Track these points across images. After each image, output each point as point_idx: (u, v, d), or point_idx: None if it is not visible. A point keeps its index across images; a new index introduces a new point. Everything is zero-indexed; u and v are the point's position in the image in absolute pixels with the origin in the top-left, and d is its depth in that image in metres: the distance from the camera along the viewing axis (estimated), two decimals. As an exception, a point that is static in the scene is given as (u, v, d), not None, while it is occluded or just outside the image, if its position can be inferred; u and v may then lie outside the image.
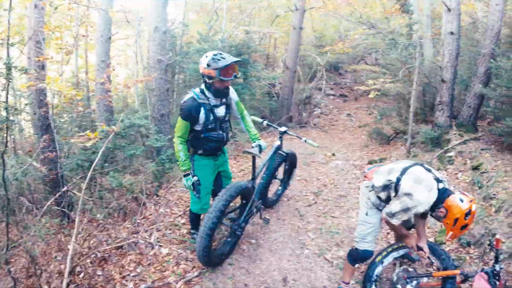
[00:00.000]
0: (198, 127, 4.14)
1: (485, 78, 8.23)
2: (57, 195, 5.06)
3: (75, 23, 10.52)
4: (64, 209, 5.34)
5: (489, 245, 4.15)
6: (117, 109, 10.62)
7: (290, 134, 5.64)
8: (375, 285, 4.18)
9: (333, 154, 9.46)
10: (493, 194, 5.61)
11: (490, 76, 8.17)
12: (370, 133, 11.23)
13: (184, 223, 5.46)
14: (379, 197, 3.78)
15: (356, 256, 4.01)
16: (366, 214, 3.92)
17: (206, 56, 3.92)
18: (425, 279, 4.27)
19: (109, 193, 5.79)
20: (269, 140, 9.74)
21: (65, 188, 5.22)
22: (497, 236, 3.75)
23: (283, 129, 5.54)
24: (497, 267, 3.61)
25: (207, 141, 4.23)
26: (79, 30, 10.07)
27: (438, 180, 3.48)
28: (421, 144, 8.60)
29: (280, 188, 6.38)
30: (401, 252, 4.32)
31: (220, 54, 3.93)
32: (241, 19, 14.77)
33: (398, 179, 3.52)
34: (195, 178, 4.25)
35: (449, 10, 8.35)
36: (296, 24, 12.61)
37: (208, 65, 3.87)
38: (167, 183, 6.56)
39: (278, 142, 5.49)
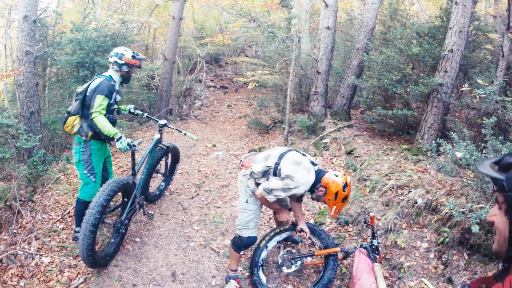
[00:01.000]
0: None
1: (358, 70, 8.87)
2: None
3: None
4: None
5: (364, 222, 4.42)
6: (-17, 108, 9.35)
7: (170, 127, 5.57)
8: (262, 269, 4.28)
9: (214, 145, 9.40)
10: (367, 176, 6.04)
11: (362, 69, 8.81)
12: (249, 124, 11.43)
13: (63, 228, 5.00)
14: (258, 184, 3.82)
15: (240, 243, 4.00)
16: (246, 202, 3.94)
17: (126, 50, 4.59)
18: (308, 259, 4.44)
19: (-20, 203, 5.04)
20: (149, 134, 9.34)
21: None
22: (371, 214, 3.99)
23: (162, 122, 5.40)
24: (374, 242, 3.86)
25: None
26: None
27: (313, 163, 3.67)
28: (298, 132, 8.99)
29: (163, 183, 6.14)
30: (284, 235, 4.43)
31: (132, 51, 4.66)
32: (118, 8, 13.99)
33: (277, 164, 3.61)
34: (128, 139, 4.33)
35: (326, 6, 8.80)
36: (175, 14, 12.17)
37: (134, 57, 4.58)
38: (42, 186, 5.93)
39: (157, 135, 5.30)
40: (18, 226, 4.96)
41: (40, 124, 7.21)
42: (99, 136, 4.41)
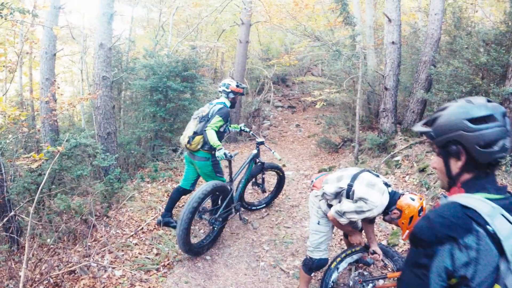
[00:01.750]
0: (221, 129, 5.54)
1: (427, 84, 8.67)
2: (5, 220, 4.81)
3: (19, 40, 10.13)
4: (12, 235, 5.07)
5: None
6: (63, 128, 10.27)
7: (265, 146, 6.35)
8: None
9: (284, 165, 9.53)
10: (441, 194, 5.87)
11: (431, 82, 8.60)
12: (318, 143, 11.47)
13: (136, 244, 5.34)
14: (330, 205, 3.83)
15: (311, 265, 4.05)
16: (318, 223, 3.97)
17: (231, 81, 5.71)
18: (380, 281, 4.39)
19: (58, 216, 5.55)
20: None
21: (12, 213, 4.95)
22: None
23: (260, 139, 6.27)
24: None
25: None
26: (23, 46, 9.69)
27: (387, 184, 3.61)
28: (368, 150, 8.89)
29: (263, 199, 6.91)
30: (355, 257, 4.41)
31: (236, 81, 5.79)
32: (187, 34, 14.77)
33: (350, 185, 3.59)
34: (226, 150, 5.20)
35: (390, 20, 8.73)
36: (242, 38, 12.75)
37: (237, 86, 5.68)
38: (116, 203, 6.38)
39: (255, 151, 6.22)
40: (93, 240, 5.35)
41: (116, 144, 7.74)
42: None
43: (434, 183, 6.29)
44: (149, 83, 8.53)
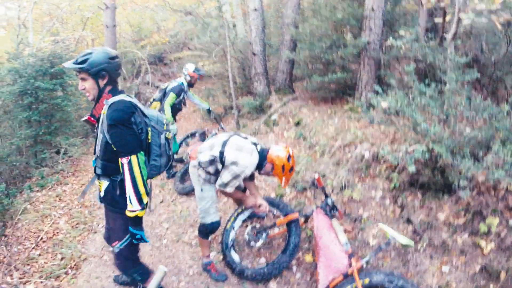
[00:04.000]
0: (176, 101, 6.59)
1: (292, 44, 9.08)
2: None
3: None
4: None
5: (313, 185, 4.65)
6: None
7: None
8: (234, 249, 4.48)
9: (172, 143, 9.44)
10: (316, 142, 6.32)
11: (296, 43, 9.00)
12: (202, 116, 11.47)
13: (40, 254, 5.05)
14: (208, 172, 3.96)
15: (205, 230, 4.16)
16: (201, 191, 4.06)
17: (191, 65, 6.79)
18: (276, 230, 4.65)
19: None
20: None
21: None
22: (316, 176, 4.19)
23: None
24: (328, 201, 4.06)
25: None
26: None
27: (255, 144, 3.89)
28: (248, 114, 9.16)
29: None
30: (247, 213, 4.62)
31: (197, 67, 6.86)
32: (49, 28, 13.64)
33: (221, 152, 3.77)
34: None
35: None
36: (108, 23, 12.00)
37: (195, 71, 6.73)
38: (11, 220, 5.88)
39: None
40: (-4, 263, 4.97)
41: None
42: None
43: (309, 133, 6.72)
44: (17, 87, 7.87)
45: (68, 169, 7.92)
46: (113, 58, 2.89)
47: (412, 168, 3.86)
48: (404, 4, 8.28)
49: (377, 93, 4.71)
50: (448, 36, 4.47)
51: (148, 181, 3.13)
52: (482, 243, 3.72)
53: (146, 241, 3.06)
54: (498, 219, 3.73)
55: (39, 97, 8.01)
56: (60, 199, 6.56)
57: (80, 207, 6.25)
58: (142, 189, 2.82)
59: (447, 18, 4.67)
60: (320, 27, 7.36)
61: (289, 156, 3.74)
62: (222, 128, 7.08)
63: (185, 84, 6.72)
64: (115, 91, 2.92)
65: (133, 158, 2.73)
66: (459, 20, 4.22)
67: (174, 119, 6.69)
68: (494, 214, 3.79)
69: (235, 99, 9.00)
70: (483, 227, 3.78)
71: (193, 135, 8.07)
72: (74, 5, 14.17)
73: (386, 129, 5.50)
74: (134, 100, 2.88)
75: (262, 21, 9.13)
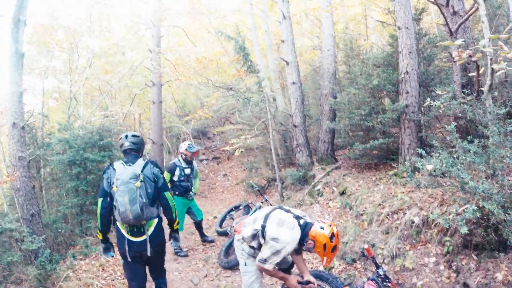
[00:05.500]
0: (175, 178, 6.96)
1: (331, 114, 9.20)
2: None
3: None
4: None
5: (363, 256, 4.44)
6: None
7: None
8: None
9: (215, 217, 9.46)
10: (363, 211, 6.13)
11: (335, 112, 9.11)
12: (246, 188, 11.53)
13: None
14: (251, 246, 3.91)
15: None
16: (245, 265, 4.01)
17: (184, 144, 7.00)
18: (323, 306, 4.41)
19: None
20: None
21: None
22: (366, 246, 4.03)
23: None
24: (380, 272, 3.87)
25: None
26: None
27: (298, 217, 3.78)
28: (291, 185, 9.10)
29: None
30: (295, 290, 4.42)
31: (191, 144, 7.03)
32: (99, 102, 14.56)
33: (263, 226, 3.72)
34: None
35: (287, 63, 9.28)
36: (155, 99, 12.82)
37: (186, 149, 6.92)
38: (52, 286, 5.97)
39: None
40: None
41: (42, 225, 7.26)
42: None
43: (355, 202, 6.55)
44: (66, 157, 8.25)
45: (112, 239, 7.89)
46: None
47: (464, 229, 3.66)
48: (437, 62, 8.27)
49: (421, 156, 4.60)
50: (485, 89, 4.39)
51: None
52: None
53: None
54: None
55: (87, 167, 8.33)
56: (103, 269, 6.51)
57: (123, 278, 6.15)
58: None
59: (481, 71, 4.60)
60: (358, 95, 7.45)
61: (333, 234, 3.59)
62: (266, 200, 7.02)
63: (181, 161, 7.03)
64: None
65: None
66: (493, 71, 4.14)
67: (182, 195, 7.03)
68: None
69: (278, 170, 9.03)
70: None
71: (237, 208, 8.10)
72: (123, 82, 15.11)
73: (434, 192, 5.29)
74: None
75: (301, 94, 9.36)
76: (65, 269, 6.42)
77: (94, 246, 7.48)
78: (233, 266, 6.15)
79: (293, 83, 9.31)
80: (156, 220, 3.99)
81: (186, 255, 6.96)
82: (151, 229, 3.94)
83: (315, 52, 16.15)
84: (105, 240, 4.19)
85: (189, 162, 7.10)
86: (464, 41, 4.06)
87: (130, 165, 3.96)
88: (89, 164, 8.26)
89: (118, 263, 6.76)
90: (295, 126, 9.25)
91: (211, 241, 7.50)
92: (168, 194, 4.08)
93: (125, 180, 3.78)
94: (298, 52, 10.32)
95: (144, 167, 3.98)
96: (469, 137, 4.40)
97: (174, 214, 4.13)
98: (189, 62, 13.55)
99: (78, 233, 8.12)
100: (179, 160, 7.06)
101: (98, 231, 4.06)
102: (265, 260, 3.62)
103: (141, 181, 3.82)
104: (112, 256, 4.29)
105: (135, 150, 4.20)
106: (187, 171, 7.07)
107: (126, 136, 4.22)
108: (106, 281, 6.09)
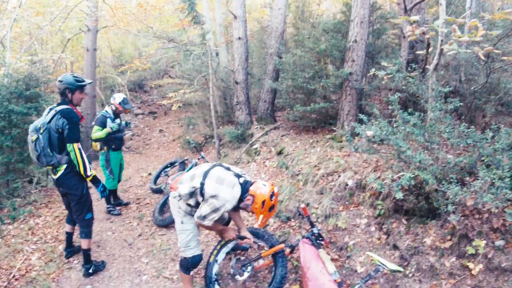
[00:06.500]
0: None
1: (275, 74, 9.19)
2: None
3: None
4: None
5: (299, 215, 4.60)
6: None
7: None
8: (218, 284, 4.30)
9: (150, 174, 9.25)
10: (298, 171, 6.30)
11: (278, 72, 9.11)
12: (182, 144, 11.39)
13: None
14: (189, 204, 3.85)
15: (187, 265, 4.02)
16: (182, 223, 3.96)
17: (118, 97, 6.71)
18: (261, 262, 4.53)
19: None
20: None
21: None
22: (302, 205, 4.15)
23: None
24: (314, 230, 4.02)
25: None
26: None
27: (238, 176, 3.77)
28: (229, 143, 9.13)
29: None
30: (230, 246, 4.49)
31: (126, 98, 6.79)
32: (27, 47, 13.43)
33: (202, 184, 3.66)
34: None
35: (235, 17, 9.04)
36: (89, 46, 11.92)
37: (120, 103, 6.65)
38: None
39: None
40: None
41: None
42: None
43: (292, 162, 6.70)
44: None
45: (41, 200, 7.51)
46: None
47: (399, 195, 3.88)
48: (385, 37, 8.52)
49: (361, 122, 4.75)
50: (431, 67, 4.57)
51: None
52: (471, 265, 3.74)
53: None
54: (485, 241, 3.74)
55: (12, 121, 7.51)
56: (32, 233, 6.18)
57: (54, 242, 5.90)
58: None
59: (430, 49, 4.79)
60: (303, 58, 7.47)
61: (273, 193, 3.64)
62: (202, 157, 6.94)
63: (110, 112, 6.68)
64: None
65: None
66: (442, 51, 4.32)
67: (118, 148, 6.83)
68: (480, 237, 3.81)
69: (216, 128, 8.97)
70: (470, 250, 3.79)
71: (172, 164, 7.95)
72: (55, 25, 13.93)
73: (368, 158, 5.53)
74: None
75: (246, 50, 9.22)
76: (-8, 236, 6.03)
77: (22, 208, 7.03)
78: (168, 224, 6.09)
79: (239, 38, 9.12)
80: (64, 166, 4.48)
81: (120, 214, 6.79)
82: (59, 174, 4.50)
83: (264, 11, 15.93)
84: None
85: (116, 115, 6.78)
86: (419, 18, 4.17)
87: (48, 113, 4.49)
88: (14, 117, 7.44)
89: (48, 225, 6.47)
90: (237, 82, 9.16)
91: (127, 204, 7.28)
92: (71, 146, 4.38)
93: (29, 131, 4.48)
94: (247, 9, 10.10)
95: (51, 118, 4.37)
96: (409, 110, 4.61)
97: (77, 165, 4.44)
98: (129, 7, 12.78)
99: (5, 194, 7.46)
100: (107, 112, 6.67)
101: None
102: (204, 217, 3.59)
103: (40, 133, 4.37)
104: None
105: (60, 94, 4.55)
106: (118, 120, 6.79)
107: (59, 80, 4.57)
108: (36, 245, 5.81)
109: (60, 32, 15.20)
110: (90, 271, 4.91)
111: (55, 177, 4.55)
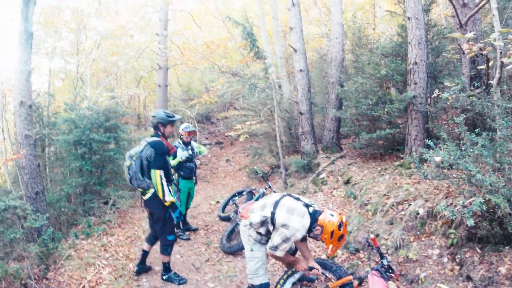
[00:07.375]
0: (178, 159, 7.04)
1: (337, 102, 9.18)
2: None
3: None
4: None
5: (368, 246, 4.47)
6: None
7: None
8: None
9: (217, 202, 9.50)
10: (367, 201, 6.15)
11: (341, 101, 9.09)
12: (249, 174, 11.56)
13: None
14: (259, 233, 3.92)
15: None
16: (251, 250, 4.02)
17: (183, 125, 7.21)
18: (325, 293, 4.45)
19: (-4, 283, 5.16)
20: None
21: None
22: (372, 236, 4.05)
23: None
24: (384, 262, 3.89)
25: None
26: None
27: (307, 205, 3.80)
28: (295, 173, 9.13)
29: None
30: (297, 276, 4.44)
31: (188, 125, 7.25)
32: (106, 83, 14.55)
33: (273, 213, 3.73)
34: None
35: (295, 51, 9.24)
36: (160, 82, 12.85)
37: (183, 129, 7.09)
38: (54, 264, 5.98)
39: None
40: (36, 305, 4.97)
41: (46, 203, 7.27)
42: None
43: (360, 191, 6.56)
44: (72, 137, 8.23)
45: (115, 220, 7.97)
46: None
47: (470, 222, 3.67)
48: (445, 54, 8.22)
49: (429, 147, 4.60)
50: (493, 82, 4.37)
51: None
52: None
53: None
54: None
55: (92, 148, 8.30)
56: (105, 249, 6.57)
57: (125, 259, 6.22)
58: None
59: (490, 64, 4.58)
60: (365, 84, 7.41)
61: (341, 223, 3.62)
62: (269, 187, 7.02)
63: (181, 143, 7.16)
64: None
65: None
66: (502, 64, 4.13)
67: (188, 177, 7.16)
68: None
69: (282, 157, 9.04)
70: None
71: (240, 193, 8.09)
72: (129, 64, 15.10)
73: (439, 184, 5.30)
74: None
75: (307, 81, 9.34)
76: (67, 248, 6.47)
77: (97, 226, 7.52)
78: (235, 252, 6.18)
79: (301, 70, 9.28)
80: (152, 190, 4.98)
81: (188, 239, 7.00)
82: (147, 196, 5.03)
83: (321, 40, 16.08)
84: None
85: (187, 144, 7.18)
86: (474, 34, 4.02)
87: (142, 143, 5.12)
88: (94, 144, 8.24)
89: (120, 244, 6.84)
90: (301, 113, 9.24)
91: (195, 230, 7.51)
92: (153, 172, 4.85)
93: (125, 158, 5.11)
94: (304, 40, 10.25)
95: (143, 148, 4.98)
96: (476, 130, 4.40)
97: (157, 190, 4.87)
98: (195, 46, 13.50)
99: (81, 212, 8.12)
100: (179, 143, 7.15)
101: None
102: (276, 247, 3.66)
103: (133, 160, 4.96)
104: None
105: (153, 128, 5.22)
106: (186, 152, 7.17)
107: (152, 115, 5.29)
108: (108, 261, 6.14)
109: (133, 70, 16.39)
110: (164, 277, 5.42)
111: (144, 198, 5.06)
